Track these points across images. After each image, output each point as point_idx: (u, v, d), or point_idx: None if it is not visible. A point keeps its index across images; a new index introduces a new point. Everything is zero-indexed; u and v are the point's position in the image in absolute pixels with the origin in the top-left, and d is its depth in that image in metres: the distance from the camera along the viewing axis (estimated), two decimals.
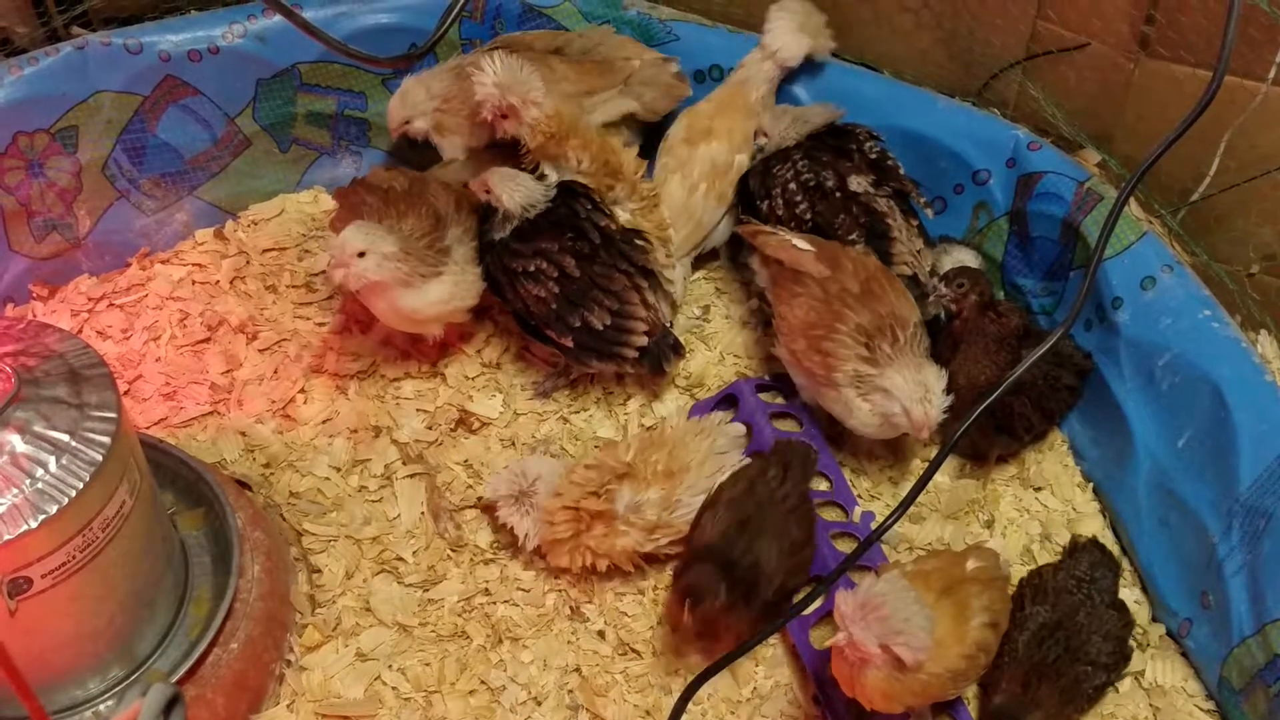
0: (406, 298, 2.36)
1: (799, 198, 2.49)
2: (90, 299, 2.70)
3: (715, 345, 2.66)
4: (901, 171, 2.53)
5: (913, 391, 2.18)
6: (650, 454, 2.22)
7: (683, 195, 2.65)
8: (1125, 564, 2.28)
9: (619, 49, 2.73)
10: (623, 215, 2.52)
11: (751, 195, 2.58)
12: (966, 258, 2.53)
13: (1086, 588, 2.02)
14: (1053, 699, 1.91)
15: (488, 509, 2.29)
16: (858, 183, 2.48)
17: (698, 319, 2.70)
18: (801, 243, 2.38)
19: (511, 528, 2.21)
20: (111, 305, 2.70)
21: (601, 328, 2.36)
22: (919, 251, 2.46)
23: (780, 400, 2.49)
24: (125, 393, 2.51)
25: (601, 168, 2.50)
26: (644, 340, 2.38)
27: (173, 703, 1.66)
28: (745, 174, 2.63)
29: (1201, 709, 2.09)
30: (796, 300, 2.33)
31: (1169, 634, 2.18)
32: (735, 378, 2.57)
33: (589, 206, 2.43)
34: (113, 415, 1.76)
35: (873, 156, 2.52)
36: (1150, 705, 2.09)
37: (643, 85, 2.70)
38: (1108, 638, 1.96)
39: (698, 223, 2.66)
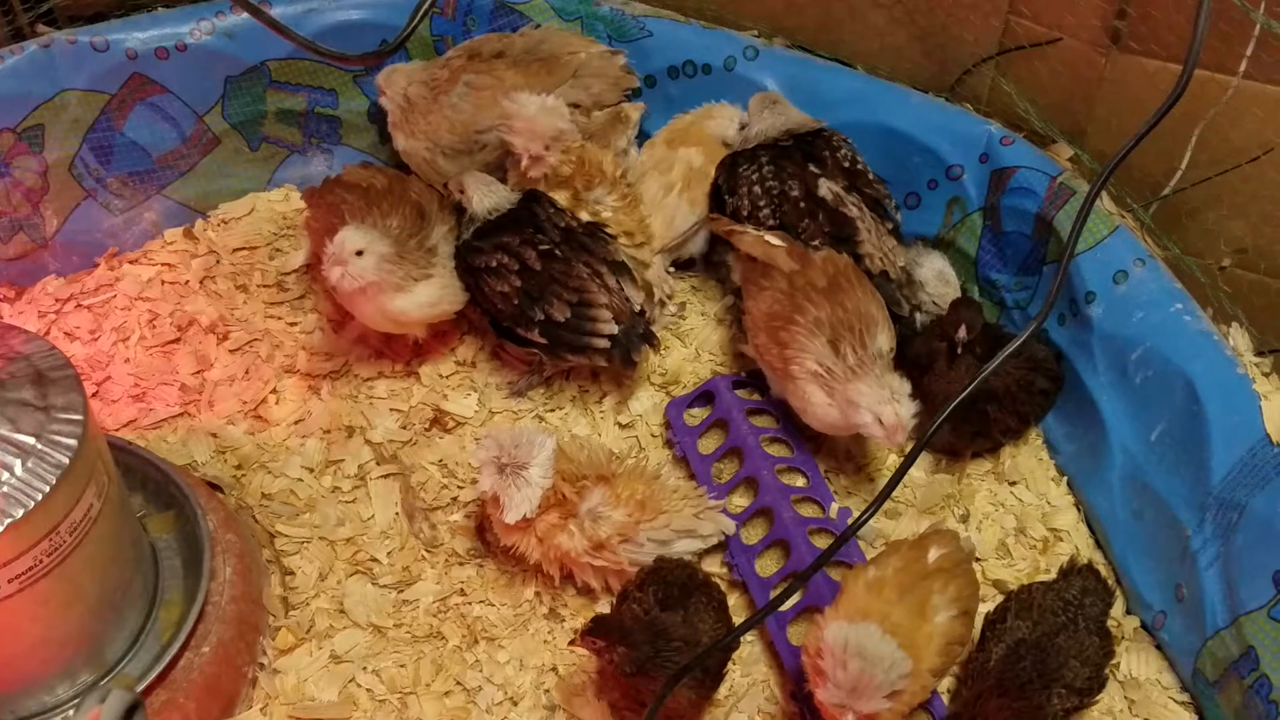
0: (396, 300, 2.36)
1: (762, 202, 2.50)
2: (58, 300, 2.67)
3: (691, 342, 2.66)
4: (872, 176, 2.53)
5: (879, 395, 2.16)
6: (634, 481, 2.18)
7: (659, 193, 2.66)
8: (1100, 558, 2.29)
9: (563, 45, 2.72)
10: (605, 213, 2.53)
11: (719, 191, 2.58)
12: (938, 263, 2.54)
13: (1073, 611, 1.99)
14: (1011, 717, 1.90)
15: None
16: (827, 188, 2.47)
17: (674, 315, 2.69)
18: (773, 239, 2.39)
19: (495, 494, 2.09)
20: (79, 306, 2.67)
21: (563, 320, 2.36)
22: (891, 249, 2.47)
23: (757, 397, 2.48)
24: (94, 395, 2.49)
25: (582, 170, 2.54)
26: (613, 328, 2.36)
27: (133, 709, 1.63)
28: (715, 177, 2.62)
29: (1176, 701, 2.09)
30: (763, 294, 2.34)
31: (1143, 626, 2.19)
32: (711, 374, 2.57)
33: (551, 210, 2.46)
34: (79, 417, 1.74)
35: (845, 165, 2.52)
36: (1125, 698, 2.10)
37: (591, 77, 2.71)
38: (1086, 663, 1.93)
39: (669, 221, 2.66)
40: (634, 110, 2.77)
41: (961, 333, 2.29)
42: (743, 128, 2.68)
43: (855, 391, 2.18)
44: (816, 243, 2.43)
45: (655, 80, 2.83)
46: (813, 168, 2.50)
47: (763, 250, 2.38)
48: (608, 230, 2.50)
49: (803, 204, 2.47)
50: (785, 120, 2.58)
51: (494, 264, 2.40)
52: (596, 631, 1.91)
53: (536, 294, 2.38)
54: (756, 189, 2.51)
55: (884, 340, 2.26)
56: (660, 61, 2.79)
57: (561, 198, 2.53)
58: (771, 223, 2.47)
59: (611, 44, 2.80)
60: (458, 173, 2.58)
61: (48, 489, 1.66)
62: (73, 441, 1.71)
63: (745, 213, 2.51)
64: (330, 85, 2.81)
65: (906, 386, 2.18)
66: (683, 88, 2.78)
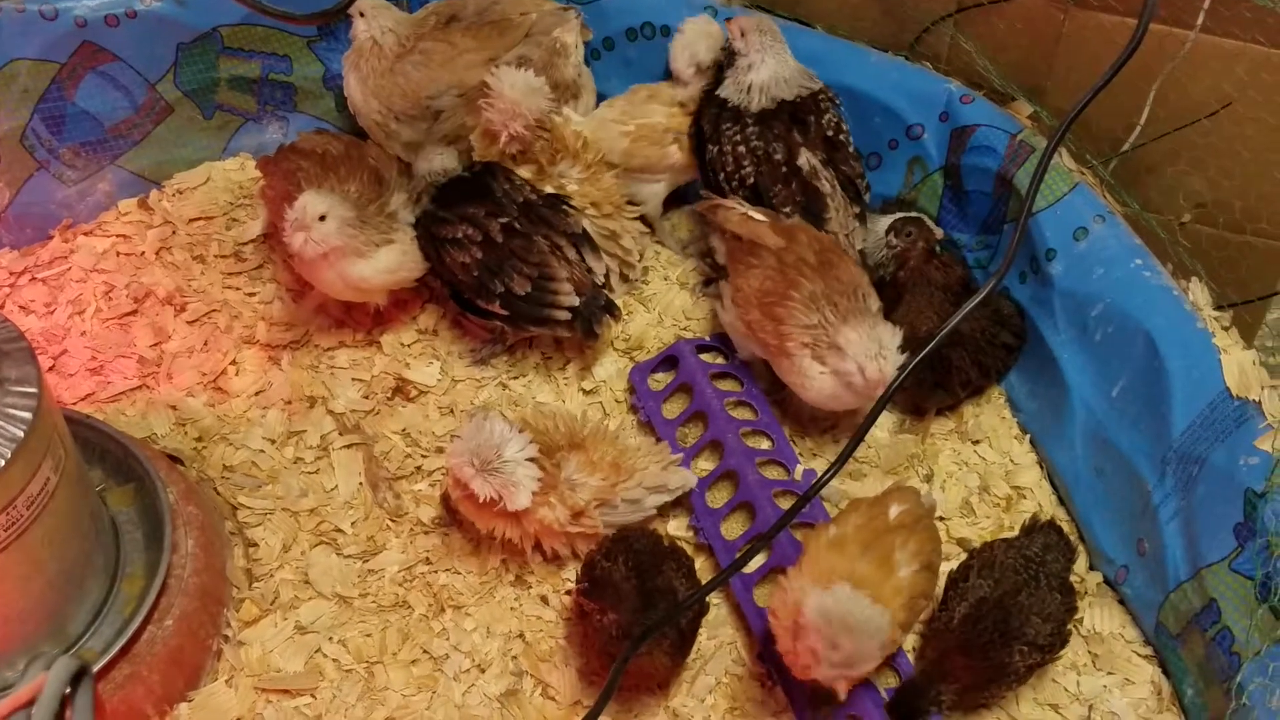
0: (357, 266, 2.34)
1: (745, 161, 2.48)
2: (11, 273, 2.63)
3: (654, 307, 2.65)
4: (851, 151, 2.52)
5: (867, 348, 2.14)
6: (602, 444, 2.18)
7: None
8: (1062, 514, 2.30)
9: (515, 5, 2.68)
10: (570, 186, 2.52)
11: (703, 137, 2.56)
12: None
13: (1034, 568, 1.99)
14: (976, 674, 1.90)
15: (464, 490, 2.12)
16: (806, 159, 2.46)
17: (636, 280, 2.68)
18: (757, 214, 2.38)
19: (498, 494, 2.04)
20: (34, 279, 2.63)
21: (524, 293, 2.34)
22: (853, 231, 2.47)
23: (721, 360, 2.48)
24: (50, 368, 2.46)
25: (549, 148, 2.54)
26: (574, 300, 2.35)
27: (79, 676, 1.62)
28: (698, 115, 2.60)
29: (1139, 654, 2.11)
30: (752, 271, 2.32)
31: (1106, 581, 2.21)
32: (675, 339, 2.56)
33: (508, 184, 2.44)
34: (33, 390, 1.71)
35: (828, 133, 2.50)
36: (1089, 652, 2.12)
37: (544, 34, 2.66)
38: (1048, 620, 1.94)
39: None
40: (565, 34, 2.66)
41: (891, 237, 2.37)
42: (727, 50, 2.60)
43: (843, 338, 2.16)
44: (788, 209, 2.42)
45: (613, 43, 2.80)
46: (796, 133, 2.49)
47: (748, 229, 2.36)
48: (572, 203, 2.48)
49: (784, 168, 2.46)
50: (787, 73, 2.52)
51: (458, 235, 2.38)
52: (593, 593, 1.90)
53: (496, 267, 2.36)
54: (741, 148, 2.49)
55: (873, 303, 2.27)
56: (618, 23, 2.76)
57: (527, 173, 2.52)
58: (750, 182, 2.47)
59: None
60: (412, 136, 2.55)
61: (2, 463, 1.64)
62: (27, 415, 1.69)
63: (728, 169, 2.50)
64: (284, 51, 2.77)
65: (897, 339, 2.15)
66: (641, 50, 2.76)
